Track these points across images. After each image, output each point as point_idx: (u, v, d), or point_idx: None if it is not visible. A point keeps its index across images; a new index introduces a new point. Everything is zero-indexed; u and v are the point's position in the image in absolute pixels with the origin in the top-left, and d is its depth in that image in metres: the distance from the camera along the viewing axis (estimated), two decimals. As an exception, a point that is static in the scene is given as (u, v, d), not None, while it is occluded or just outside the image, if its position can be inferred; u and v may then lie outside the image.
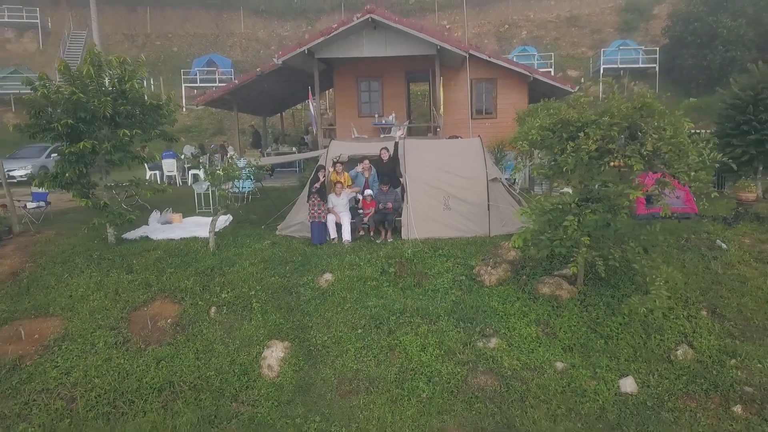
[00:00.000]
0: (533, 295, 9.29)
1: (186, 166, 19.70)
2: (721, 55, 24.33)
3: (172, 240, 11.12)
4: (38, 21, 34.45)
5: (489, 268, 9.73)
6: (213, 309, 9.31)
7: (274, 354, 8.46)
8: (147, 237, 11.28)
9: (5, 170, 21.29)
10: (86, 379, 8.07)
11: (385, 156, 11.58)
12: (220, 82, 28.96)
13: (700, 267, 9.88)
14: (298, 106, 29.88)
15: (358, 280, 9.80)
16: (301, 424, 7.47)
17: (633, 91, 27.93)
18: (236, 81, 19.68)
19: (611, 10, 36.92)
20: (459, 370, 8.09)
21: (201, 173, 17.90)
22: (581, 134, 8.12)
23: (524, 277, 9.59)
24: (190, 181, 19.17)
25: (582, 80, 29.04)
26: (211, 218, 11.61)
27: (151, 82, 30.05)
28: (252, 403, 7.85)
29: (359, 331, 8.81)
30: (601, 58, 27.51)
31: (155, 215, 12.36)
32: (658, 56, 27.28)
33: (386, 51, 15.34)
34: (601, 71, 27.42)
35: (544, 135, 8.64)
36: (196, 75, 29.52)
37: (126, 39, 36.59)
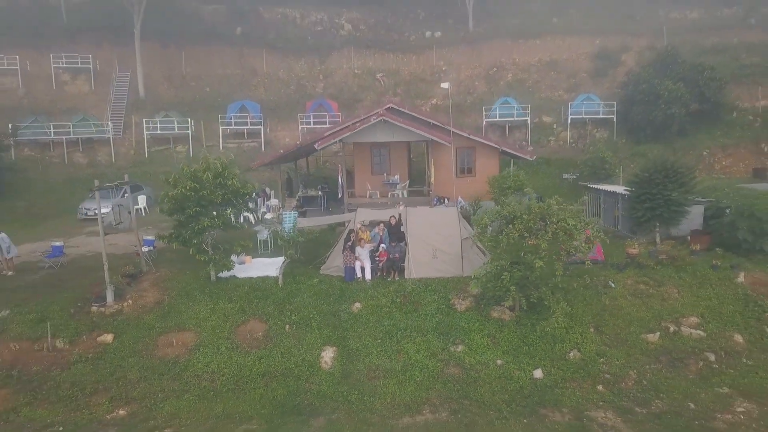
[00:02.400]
0: (487, 318, 14.89)
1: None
2: (663, 111, 29.91)
3: (251, 278, 16.70)
4: (90, 66, 40.00)
5: (460, 300, 15.34)
6: (287, 326, 14.91)
7: (328, 355, 14.07)
8: (234, 276, 16.83)
9: (84, 208, 26.79)
10: (219, 369, 13.69)
11: (393, 221, 17.21)
12: (251, 124, 34.64)
13: (594, 299, 15.50)
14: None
15: (376, 307, 15.41)
16: (346, 395, 13.01)
17: (595, 136, 33.52)
18: (282, 151, 25.26)
19: (586, 55, 42.46)
20: (439, 364, 13.70)
21: (252, 218, 23.27)
22: (511, 225, 13.75)
23: (482, 306, 15.19)
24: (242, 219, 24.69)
25: (555, 126, 34.63)
26: (271, 259, 17.27)
27: (191, 124, 35.59)
28: (317, 383, 13.43)
29: (378, 340, 14.41)
30: (569, 109, 33.20)
31: (234, 257, 17.89)
32: (615, 108, 32.95)
33: (393, 138, 20.92)
34: (569, 120, 33.12)
35: (492, 220, 14.27)
36: (231, 119, 35.19)
37: (164, 80, 42.11)
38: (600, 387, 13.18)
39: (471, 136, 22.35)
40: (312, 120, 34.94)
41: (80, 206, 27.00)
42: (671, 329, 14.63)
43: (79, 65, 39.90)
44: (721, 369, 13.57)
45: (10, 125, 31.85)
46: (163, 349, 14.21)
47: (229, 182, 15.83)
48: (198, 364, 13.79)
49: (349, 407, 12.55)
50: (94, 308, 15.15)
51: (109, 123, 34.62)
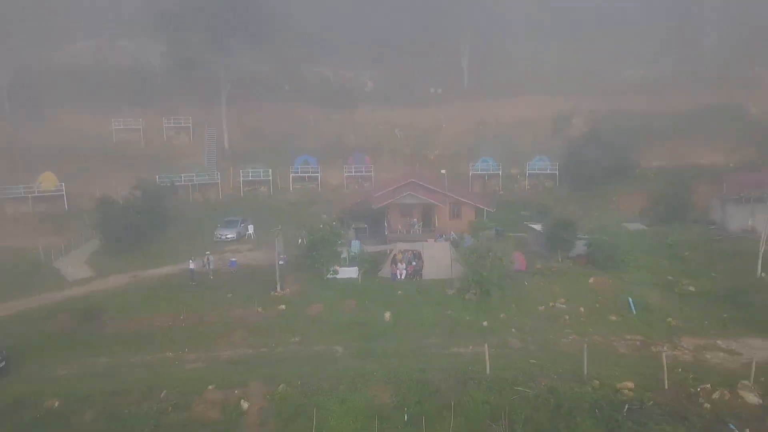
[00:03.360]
0: (462, 299, 30.67)
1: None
2: (590, 168, 45.60)
3: (343, 278, 32.40)
4: (190, 125, 55.81)
5: (449, 290, 31.18)
6: (366, 301, 30.63)
7: (387, 315, 29.79)
8: (335, 277, 32.48)
9: (219, 233, 42.35)
10: (335, 320, 29.50)
11: (417, 249, 33.03)
12: (312, 172, 50.38)
13: (516, 290, 31.24)
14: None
15: (408, 292, 31.20)
16: (396, 332, 28.68)
17: (545, 185, 49.26)
18: (350, 205, 41.04)
19: (548, 117, 58.18)
20: (439, 317, 29.44)
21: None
22: (473, 253, 29.67)
23: (460, 292, 30.93)
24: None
25: (518, 176, 50.35)
26: (351, 268, 33.14)
27: (270, 173, 51.20)
28: (382, 327, 29.10)
29: (410, 307, 30.11)
30: (528, 166, 48.97)
31: (334, 268, 33.36)
32: (558, 167, 48.75)
33: (415, 201, 36.59)
34: (527, 174, 48.93)
35: (465, 254, 30.21)
36: (298, 169, 50.95)
37: (244, 134, 57.73)
38: (513, 330, 28.87)
39: (461, 199, 38.09)
40: (353, 170, 50.63)
41: (216, 232, 42.47)
42: (551, 305, 30.38)
43: (182, 124, 55.72)
44: (570, 323, 29.28)
45: (157, 176, 47.48)
46: (309, 312, 29.96)
47: (332, 234, 31.59)
48: (325, 318, 29.51)
49: (398, 337, 28.25)
50: (272, 293, 30.91)
51: (217, 172, 50.32)
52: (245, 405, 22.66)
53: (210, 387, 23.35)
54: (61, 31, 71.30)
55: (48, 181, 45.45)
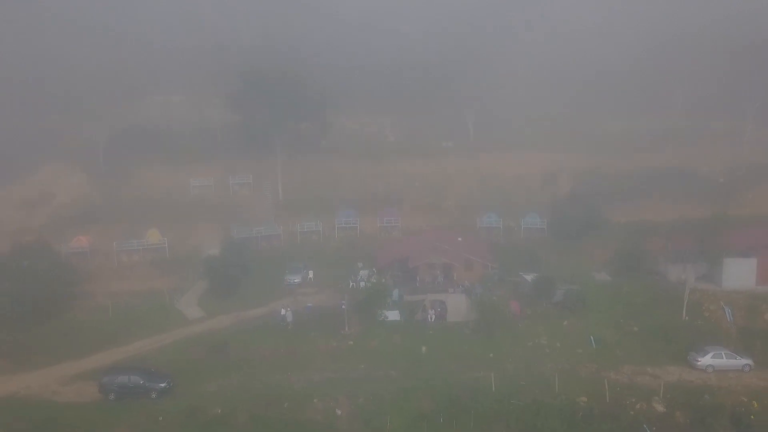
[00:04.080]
0: (476, 332, 44.04)
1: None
2: (570, 225, 58.78)
3: (391, 319, 45.76)
4: (251, 180, 69.14)
5: (467, 330, 44.63)
6: (423, 347, 44.07)
7: (424, 347, 43.26)
8: (385, 318, 45.74)
9: (288, 279, 55.67)
10: (389, 349, 43.02)
11: (442, 299, 46.50)
12: (353, 223, 63.67)
13: (511, 327, 44.63)
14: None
15: (437, 329, 44.69)
16: (432, 357, 42.07)
17: (537, 237, 62.48)
18: (389, 259, 54.47)
19: (538, 173, 71.41)
20: (458, 344, 42.89)
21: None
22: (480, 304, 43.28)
23: (473, 329, 44.34)
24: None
25: (514, 228, 63.50)
26: (394, 311, 46.47)
27: (319, 224, 64.36)
28: (421, 357, 42.50)
29: (438, 341, 43.49)
30: (522, 221, 62.30)
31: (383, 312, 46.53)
32: (546, 223, 62.04)
33: (437, 261, 49.92)
34: (522, 228, 62.31)
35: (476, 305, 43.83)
36: (342, 221, 64.22)
37: (294, 186, 70.85)
38: (509, 359, 42.19)
39: (470, 257, 51.40)
40: (385, 221, 64.01)
41: (285, 277, 55.51)
42: (536, 341, 43.78)
43: (244, 181, 69.15)
44: (549, 354, 42.62)
45: (234, 229, 60.57)
46: (369, 346, 43.36)
47: (380, 287, 44.96)
48: (380, 350, 42.89)
49: (432, 364, 41.45)
50: (341, 331, 44.32)
51: (279, 226, 63.45)
52: (338, 412, 36.21)
53: (315, 400, 36.88)
54: (133, 89, 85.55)
55: (154, 237, 58.73)
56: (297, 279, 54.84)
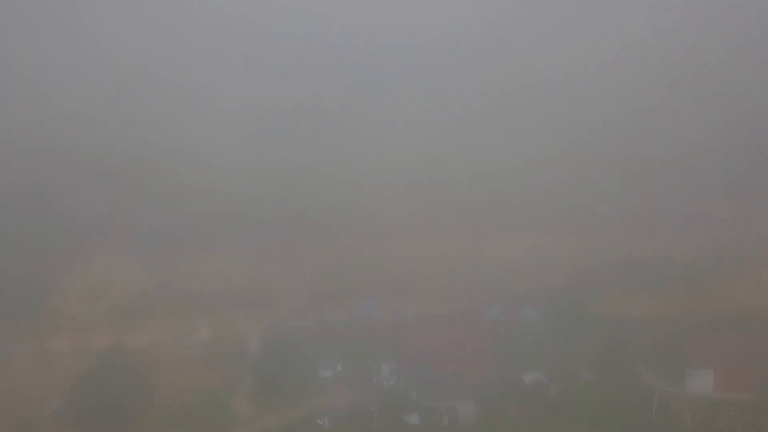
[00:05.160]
0: None
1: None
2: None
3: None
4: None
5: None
6: None
7: None
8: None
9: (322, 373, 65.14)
10: None
11: (455, 405, 56.47)
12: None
13: None
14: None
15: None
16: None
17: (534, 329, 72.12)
18: None
19: (536, 262, 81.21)
20: None
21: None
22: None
23: None
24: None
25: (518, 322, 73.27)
26: (412, 415, 56.28)
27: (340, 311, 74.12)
28: None
29: None
30: (522, 315, 72.19)
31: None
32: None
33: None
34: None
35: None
36: (363, 311, 74.05)
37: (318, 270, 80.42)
38: None
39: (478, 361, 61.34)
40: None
41: (318, 374, 65.22)
42: None
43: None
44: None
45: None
46: None
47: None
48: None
49: None
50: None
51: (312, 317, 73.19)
52: None
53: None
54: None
55: (204, 332, 68.83)
56: (328, 374, 64.46)
